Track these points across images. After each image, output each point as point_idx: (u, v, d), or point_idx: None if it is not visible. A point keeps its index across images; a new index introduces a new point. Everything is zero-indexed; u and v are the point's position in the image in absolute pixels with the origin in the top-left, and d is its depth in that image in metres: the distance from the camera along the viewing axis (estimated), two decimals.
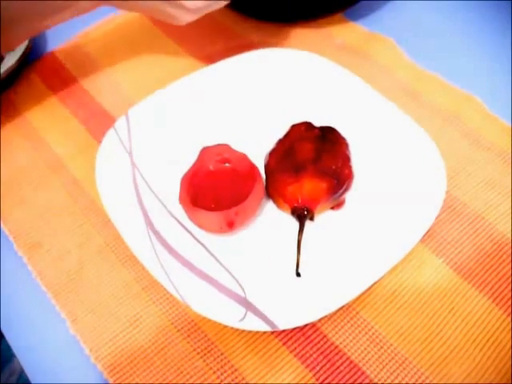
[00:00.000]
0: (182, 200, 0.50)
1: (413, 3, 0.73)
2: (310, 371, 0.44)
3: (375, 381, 0.44)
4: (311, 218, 0.50)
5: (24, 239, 0.53)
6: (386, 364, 0.44)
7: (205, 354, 0.46)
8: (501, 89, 0.62)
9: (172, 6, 0.54)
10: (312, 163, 0.50)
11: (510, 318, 0.46)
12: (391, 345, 0.45)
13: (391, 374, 0.44)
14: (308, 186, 0.49)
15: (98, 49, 0.70)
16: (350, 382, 0.44)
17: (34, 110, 0.64)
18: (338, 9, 0.71)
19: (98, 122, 0.62)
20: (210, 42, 0.70)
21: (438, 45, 0.68)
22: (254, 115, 0.60)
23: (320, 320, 0.47)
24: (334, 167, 0.50)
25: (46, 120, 0.63)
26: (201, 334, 0.47)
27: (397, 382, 0.44)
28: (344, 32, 0.70)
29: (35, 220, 0.55)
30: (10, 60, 0.64)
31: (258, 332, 0.46)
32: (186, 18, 0.56)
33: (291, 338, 0.46)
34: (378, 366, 0.44)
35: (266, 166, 0.52)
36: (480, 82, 0.63)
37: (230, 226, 0.48)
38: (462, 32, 0.69)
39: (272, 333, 0.46)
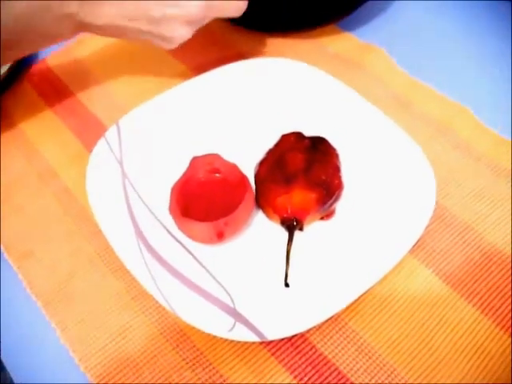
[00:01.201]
0: (171, 210, 0.50)
1: (406, 13, 0.73)
2: (298, 381, 0.44)
3: None
4: (301, 229, 0.50)
5: (15, 248, 0.53)
6: (375, 375, 0.45)
7: (193, 364, 0.46)
8: (492, 100, 0.63)
9: (157, 39, 0.55)
10: (302, 174, 0.50)
11: (498, 329, 0.47)
12: (380, 355, 0.45)
13: None
14: (297, 197, 0.49)
15: (90, 57, 0.71)
16: None
17: (26, 118, 0.64)
18: (331, 20, 0.71)
19: (90, 131, 0.62)
20: (202, 51, 0.70)
21: (429, 55, 0.68)
22: (245, 125, 0.60)
23: (309, 330, 0.47)
24: (323, 178, 0.50)
25: (37, 129, 0.63)
26: (190, 344, 0.47)
27: None
28: (336, 42, 0.70)
29: (27, 229, 0.55)
30: (2, 68, 0.64)
31: (246, 342, 0.46)
32: (174, 43, 0.56)
33: (280, 348, 0.46)
34: (366, 377, 0.44)
35: (256, 176, 0.53)
36: (472, 92, 0.63)
37: (220, 236, 0.49)
38: (455, 42, 0.70)
39: (261, 343, 0.46)
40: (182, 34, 0.54)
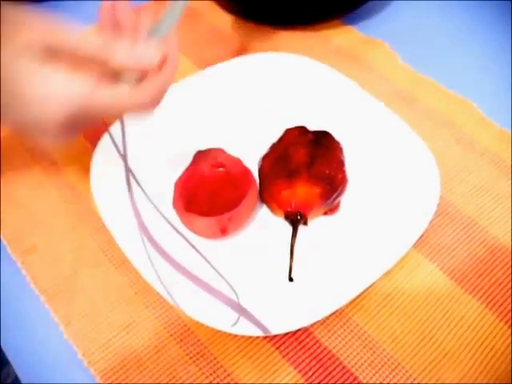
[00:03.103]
0: (175, 204, 0.50)
1: (409, 9, 0.73)
2: (302, 376, 0.44)
3: None
4: (305, 223, 0.50)
5: (19, 243, 0.53)
6: (379, 369, 0.45)
7: (197, 359, 0.46)
8: (496, 93, 0.62)
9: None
10: (305, 168, 0.50)
11: (502, 323, 0.47)
12: (384, 349, 0.45)
13: (384, 378, 0.44)
14: (301, 191, 0.49)
15: None
16: None
17: None
18: (337, 15, 0.71)
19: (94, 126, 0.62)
20: (206, 45, 0.70)
21: (432, 49, 0.68)
22: (249, 119, 0.60)
23: (313, 325, 0.46)
24: (327, 172, 0.50)
25: None
26: (194, 339, 0.47)
27: None
28: (341, 36, 0.70)
29: (30, 224, 0.55)
30: None
31: (251, 337, 0.46)
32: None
33: (284, 342, 0.46)
34: (370, 371, 0.44)
35: (260, 171, 0.52)
36: (475, 86, 0.63)
37: (223, 231, 0.49)
38: (458, 37, 0.70)
39: (265, 337, 0.46)
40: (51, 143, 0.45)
